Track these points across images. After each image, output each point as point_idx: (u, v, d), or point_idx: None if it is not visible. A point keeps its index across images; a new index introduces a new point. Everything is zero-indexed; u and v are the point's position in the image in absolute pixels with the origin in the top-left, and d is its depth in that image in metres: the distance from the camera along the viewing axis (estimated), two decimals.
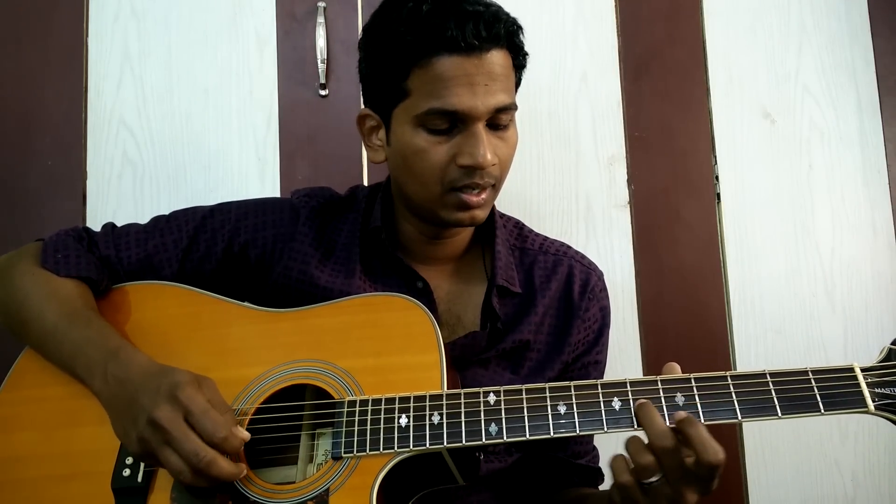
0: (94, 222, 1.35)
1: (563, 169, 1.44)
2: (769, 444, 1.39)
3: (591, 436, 1.11)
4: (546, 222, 1.42)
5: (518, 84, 0.99)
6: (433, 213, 0.97)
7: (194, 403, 0.78)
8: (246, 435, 0.81)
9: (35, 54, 1.39)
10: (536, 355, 1.03)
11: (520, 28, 0.95)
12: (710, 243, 1.44)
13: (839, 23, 1.51)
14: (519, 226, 1.14)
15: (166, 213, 1.07)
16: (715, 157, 1.47)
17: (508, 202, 1.37)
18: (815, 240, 1.45)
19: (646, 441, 0.79)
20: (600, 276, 1.11)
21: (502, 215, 1.13)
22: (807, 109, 1.49)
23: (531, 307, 1.04)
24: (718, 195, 1.45)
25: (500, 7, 0.93)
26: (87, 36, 1.41)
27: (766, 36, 1.50)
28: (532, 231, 1.14)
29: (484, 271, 1.06)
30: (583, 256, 1.12)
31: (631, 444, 0.80)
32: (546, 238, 1.13)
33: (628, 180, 1.45)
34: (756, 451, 1.39)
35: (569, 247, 1.12)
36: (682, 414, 0.78)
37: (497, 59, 0.91)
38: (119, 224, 1.06)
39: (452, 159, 0.92)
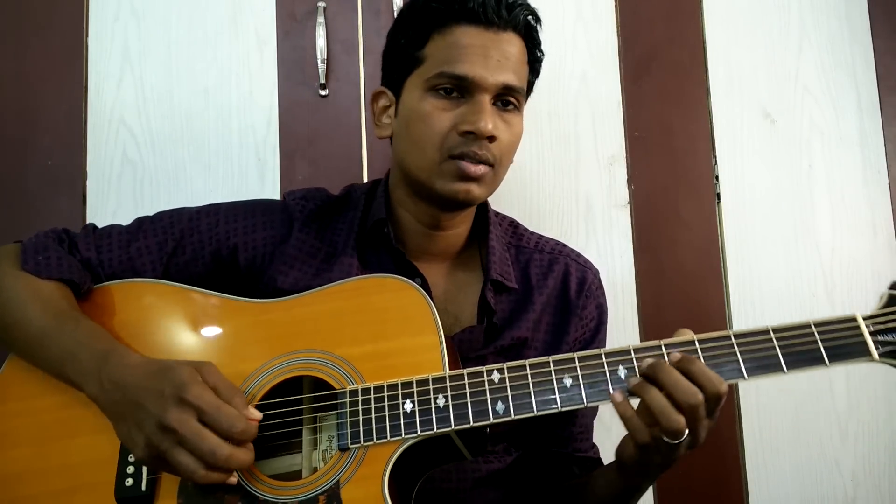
0: (94, 222, 1.34)
1: (563, 169, 1.44)
2: (769, 444, 1.39)
3: (591, 432, 1.11)
4: (546, 222, 1.41)
5: (530, 90, 1.01)
6: (430, 184, 0.96)
7: (204, 402, 0.77)
8: (258, 415, 0.80)
9: (35, 54, 1.39)
10: (534, 353, 1.03)
11: (539, 21, 0.98)
12: (710, 243, 1.44)
13: (839, 23, 1.51)
14: (514, 224, 1.14)
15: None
16: (715, 157, 1.47)
17: (508, 202, 1.37)
18: (815, 240, 1.45)
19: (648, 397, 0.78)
20: (596, 273, 1.11)
21: (497, 213, 1.13)
22: (807, 109, 1.48)
23: (528, 304, 1.04)
24: (718, 195, 1.45)
25: None
26: (87, 36, 1.41)
27: (766, 36, 1.50)
28: (527, 230, 1.14)
29: (480, 269, 1.06)
30: (578, 255, 1.12)
31: (654, 402, 0.77)
32: (541, 236, 1.13)
33: (628, 180, 1.44)
34: (756, 451, 1.39)
35: (564, 245, 1.12)
36: (676, 355, 0.79)
37: (513, 41, 0.95)
38: (120, 222, 1.06)
39: (454, 127, 0.93)
